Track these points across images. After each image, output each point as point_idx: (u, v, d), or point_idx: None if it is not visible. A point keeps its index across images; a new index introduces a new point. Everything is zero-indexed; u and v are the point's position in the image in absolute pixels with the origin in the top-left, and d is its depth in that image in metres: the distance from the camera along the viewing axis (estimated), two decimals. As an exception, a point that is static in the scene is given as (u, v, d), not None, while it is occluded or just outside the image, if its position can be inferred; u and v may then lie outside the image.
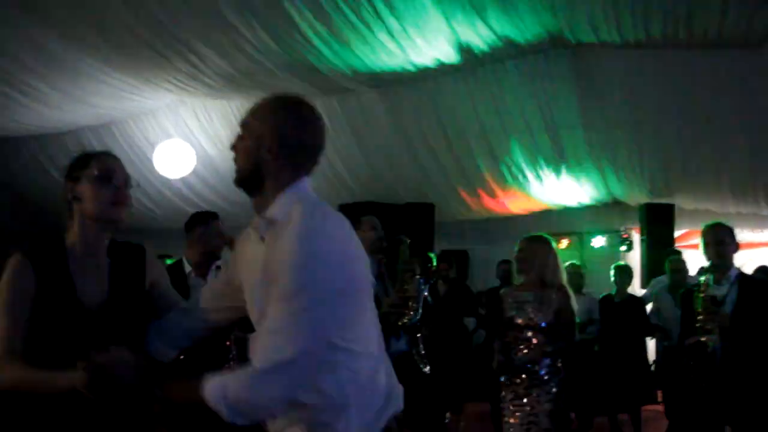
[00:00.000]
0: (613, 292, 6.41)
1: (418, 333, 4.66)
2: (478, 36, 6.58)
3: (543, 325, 3.82)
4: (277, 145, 1.80)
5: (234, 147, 1.91)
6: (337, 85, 7.70)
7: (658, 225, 8.44)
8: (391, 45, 6.70)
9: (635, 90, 7.09)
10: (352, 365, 1.67)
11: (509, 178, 8.59)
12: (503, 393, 3.92)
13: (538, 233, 4.18)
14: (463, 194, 9.11)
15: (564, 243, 9.70)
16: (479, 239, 10.27)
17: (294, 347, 1.59)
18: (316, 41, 6.61)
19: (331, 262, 1.64)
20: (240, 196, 8.08)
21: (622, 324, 6.14)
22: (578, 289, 5.92)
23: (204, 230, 3.71)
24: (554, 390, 3.80)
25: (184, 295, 3.09)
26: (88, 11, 6.67)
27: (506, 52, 7.03)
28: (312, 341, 1.60)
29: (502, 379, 3.96)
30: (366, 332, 1.75)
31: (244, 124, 1.89)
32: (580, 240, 9.75)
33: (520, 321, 3.89)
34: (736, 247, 3.94)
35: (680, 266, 6.03)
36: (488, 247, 10.05)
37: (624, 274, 6.50)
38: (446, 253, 9.81)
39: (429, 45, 6.76)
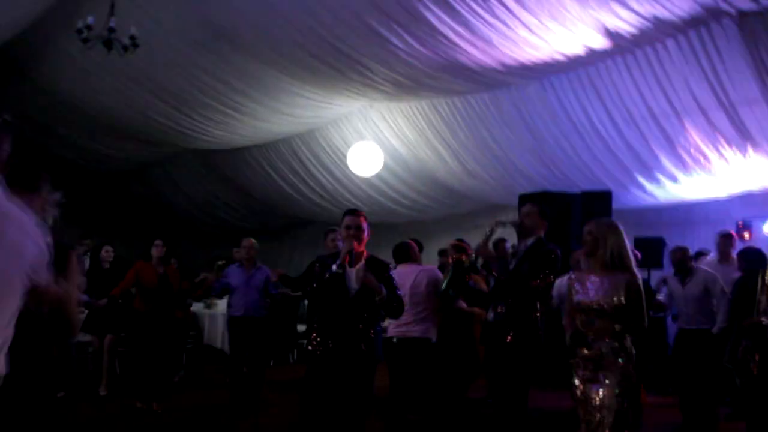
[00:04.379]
0: None
1: None
2: (621, 19, 6.43)
3: (606, 307, 3.79)
4: None
5: None
6: (494, 80, 7.96)
7: None
8: (533, 39, 6.83)
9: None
10: None
11: (689, 161, 8.07)
12: (574, 372, 3.92)
13: (606, 218, 4.26)
14: (642, 180, 8.74)
15: (771, 227, 8.80)
16: (675, 226, 9.69)
17: None
18: (460, 42, 7.00)
19: None
20: (428, 187, 9.25)
21: None
22: None
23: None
24: (621, 372, 3.77)
25: None
26: (274, 40, 7.84)
27: (661, 31, 6.72)
28: None
29: (572, 360, 3.96)
30: None
31: None
32: (791, 223, 8.73)
33: (586, 304, 3.87)
34: None
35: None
36: (685, 233, 9.48)
37: None
38: (641, 240, 9.51)
39: (573, 34, 6.75)
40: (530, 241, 4.65)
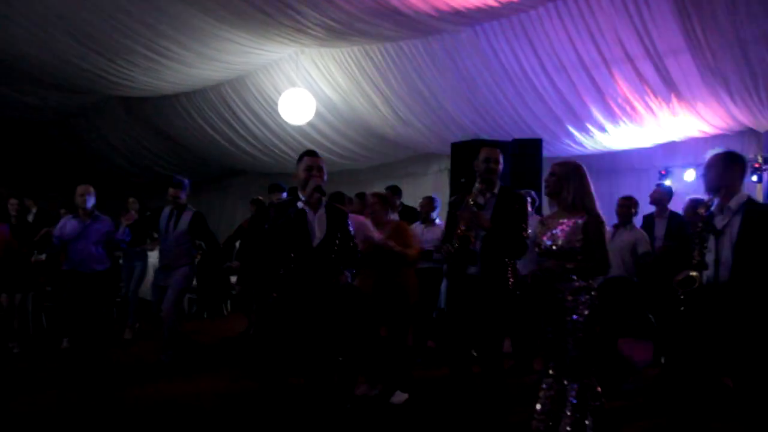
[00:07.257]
0: None
1: None
2: (553, -35, 6.42)
3: (568, 249, 3.81)
4: None
5: None
6: (427, 26, 7.87)
7: (788, 152, 7.65)
8: (466, -17, 6.76)
9: (738, 6, 6.48)
10: None
11: (617, 111, 8.25)
12: (539, 315, 3.97)
13: (571, 160, 4.05)
14: (572, 129, 8.90)
15: (692, 175, 9.13)
16: (601, 174, 9.92)
17: None
18: (393, -15, 6.87)
19: None
20: (360, 135, 9.11)
21: None
22: None
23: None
24: (585, 316, 3.79)
25: None
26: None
27: (592, -21, 6.76)
28: None
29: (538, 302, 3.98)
30: None
31: None
32: (709, 171, 9.06)
33: (549, 245, 3.91)
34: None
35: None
36: (611, 181, 9.73)
37: None
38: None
39: (506, -21, 6.72)
40: (496, 188, 4.49)
